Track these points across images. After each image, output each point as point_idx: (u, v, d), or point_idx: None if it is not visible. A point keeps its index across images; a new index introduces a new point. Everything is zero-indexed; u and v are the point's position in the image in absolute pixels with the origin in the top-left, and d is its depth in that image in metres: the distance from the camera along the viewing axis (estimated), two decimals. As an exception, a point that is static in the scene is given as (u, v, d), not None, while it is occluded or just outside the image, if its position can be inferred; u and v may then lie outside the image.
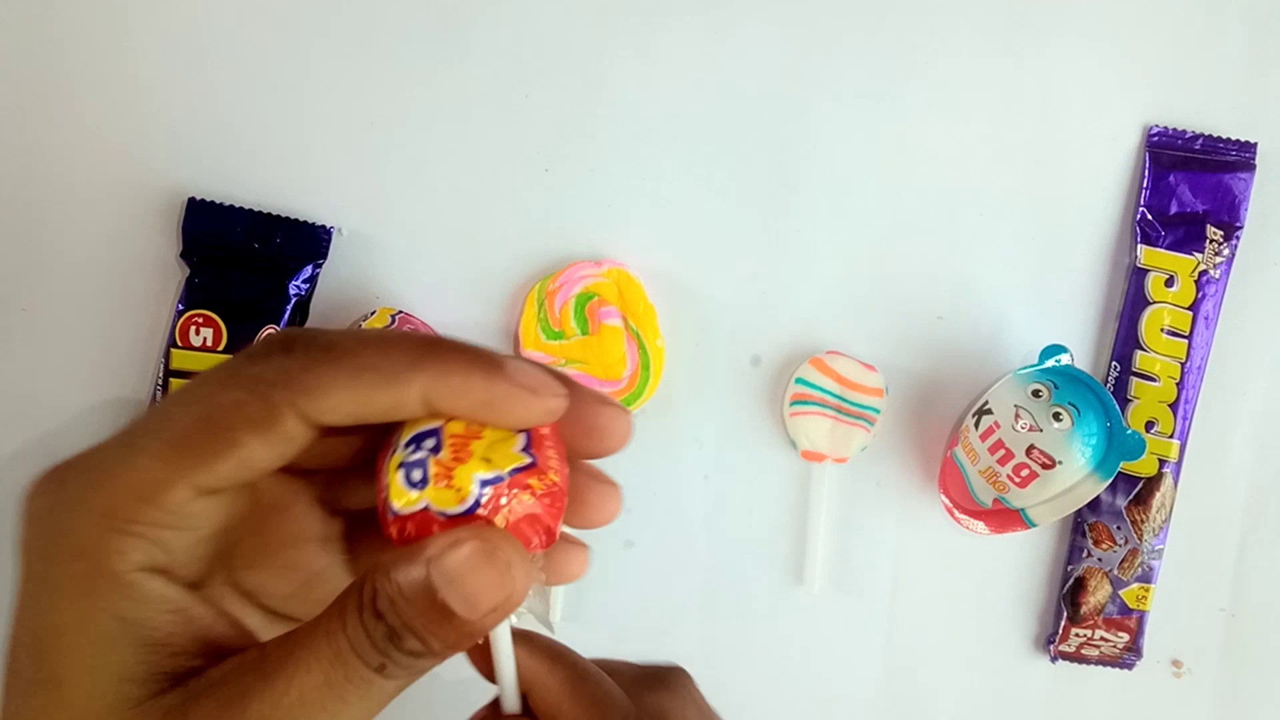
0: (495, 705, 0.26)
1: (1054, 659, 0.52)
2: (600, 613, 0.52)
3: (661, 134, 0.51)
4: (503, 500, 0.22)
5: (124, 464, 0.22)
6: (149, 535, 0.21)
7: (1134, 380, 0.51)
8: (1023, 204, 0.52)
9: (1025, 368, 0.47)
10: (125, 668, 0.21)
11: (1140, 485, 0.50)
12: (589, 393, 0.25)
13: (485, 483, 0.22)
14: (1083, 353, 0.52)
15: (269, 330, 0.24)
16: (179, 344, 0.49)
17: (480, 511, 0.22)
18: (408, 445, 0.23)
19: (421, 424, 0.23)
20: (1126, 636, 0.51)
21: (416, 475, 0.22)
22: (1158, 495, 0.50)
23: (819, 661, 0.52)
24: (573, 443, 0.25)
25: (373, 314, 0.49)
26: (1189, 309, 0.50)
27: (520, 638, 0.26)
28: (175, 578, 0.22)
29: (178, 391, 0.23)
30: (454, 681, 0.33)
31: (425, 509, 0.22)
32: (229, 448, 0.22)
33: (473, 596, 0.21)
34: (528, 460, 0.23)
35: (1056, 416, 0.46)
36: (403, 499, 0.22)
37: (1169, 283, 0.50)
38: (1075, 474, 0.46)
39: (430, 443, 0.23)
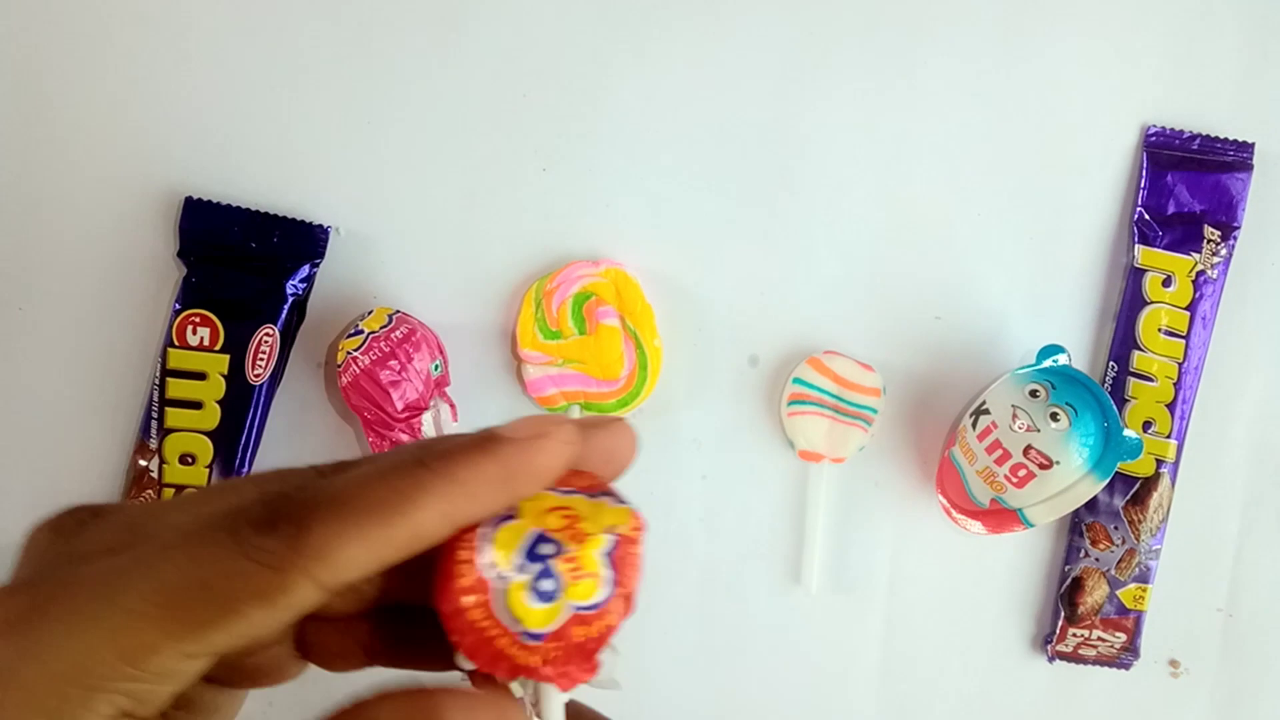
0: None
1: (1051, 659, 0.52)
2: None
3: (659, 134, 0.51)
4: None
5: (105, 622, 0.20)
6: (122, 691, 0.20)
7: (1131, 380, 0.51)
8: (1020, 204, 0.52)
9: (1023, 368, 0.47)
10: None
11: (1137, 485, 0.50)
12: (589, 420, 0.24)
13: (606, 553, 0.22)
14: (1080, 353, 0.52)
15: (263, 480, 0.23)
16: (176, 343, 0.49)
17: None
18: (519, 568, 0.21)
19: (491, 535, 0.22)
20: (1124, 636, 0.51)
21: (548, 586, 0.21)
22: (1155, 495, 0.50)
23: (816, 661, 0.52)
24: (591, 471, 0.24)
25: (370, 313, 0.49)
26: (1186, 309, 0.50)
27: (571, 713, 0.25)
28: (142, 716, 0.21)
29: (168, 544, 0.21)
30: None
31: (565, 617, 0.21)
32: (230, 618, 0.20)
33: None
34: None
35: (1054, 416, 0.46)
36: (539, 617, 0.21)
37: (1166, 283, 0.50)
38: (1073, 474, 0.46)
39: (546, 548, 0.22)
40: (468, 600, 0.22)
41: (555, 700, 0.23)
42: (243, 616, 0.20)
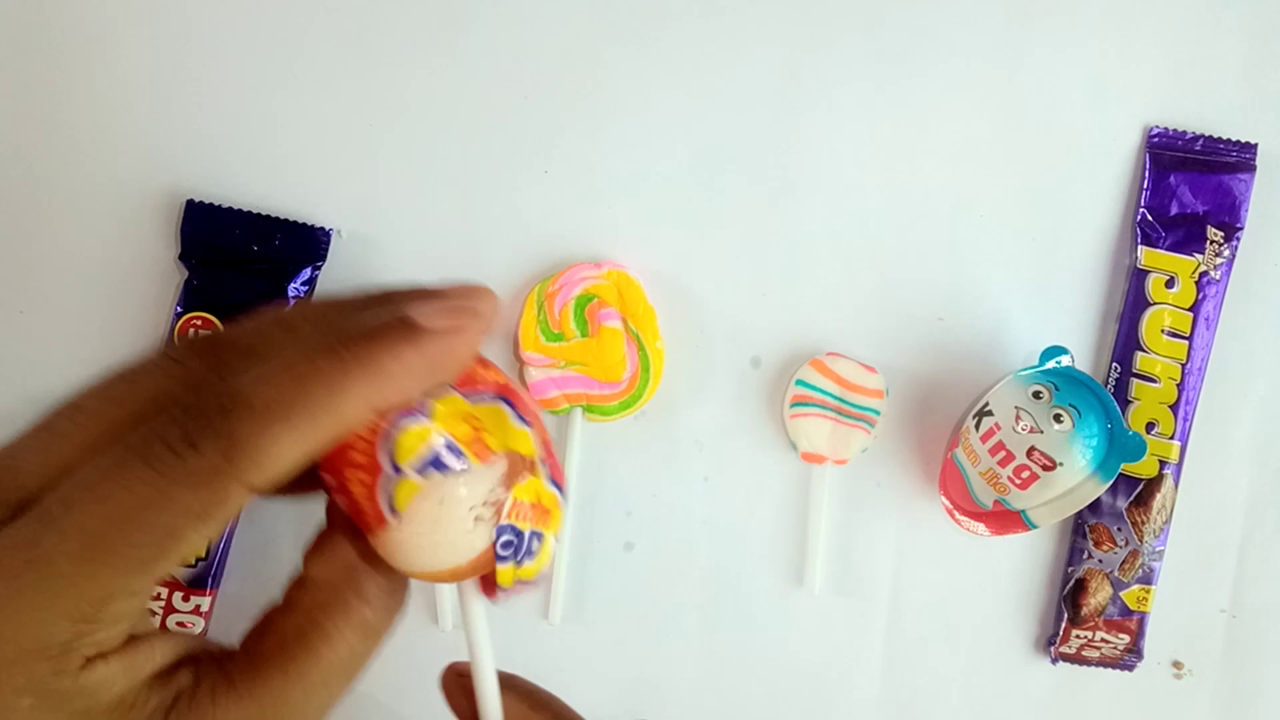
0: None
1: (1054, 660, 0.52)
2: (600, 614, 0.52)
3: (661, 136, 0.51)
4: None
5: (46, 593, 0.20)
6: (85, 645, 0.20)
7: (1134, 381, 0.50)
8: (1023, 205, 0.52)
9: (1026, 369, 0.47)
10: None
11: (1141, 487, 0.50)
12: (461, 290, 0.24)
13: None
14: (1083, 354, 0.52)
15: (156, 386, 0.22)
16: (178, 346, 0.49)
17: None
18: (418, 470, 0.22)
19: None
20: (1127, 638, 0.51)
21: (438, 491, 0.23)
22: (1158, 497, 0.50)
23: (819, 662, 0.52)
24: None
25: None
26: (1189, 310, 0.50)
27: (504, 683, 0.26)
28: (110, 653, 0.21)
29: (84, 486, 0.20)
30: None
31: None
32: (171, 544, 0.20)
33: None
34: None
35: (1057, 418, 0.46)
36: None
37: (1169, 284, 0.50)
38: (1076, 475, 0.46)
39: (449, 457, 0.22)
40: (355, 474, 0.22)
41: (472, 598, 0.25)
42: (183, 539, 0.20)
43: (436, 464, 0.22)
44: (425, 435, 0.22)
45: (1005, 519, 0.47)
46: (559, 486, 0.24)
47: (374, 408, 0.22)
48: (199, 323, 0.49)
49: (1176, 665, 0.52)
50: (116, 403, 0.22)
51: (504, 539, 0.23)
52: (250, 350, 0.22)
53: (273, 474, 0.20)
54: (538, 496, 0.24)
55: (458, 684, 0.27)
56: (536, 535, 0.24)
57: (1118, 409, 0.46)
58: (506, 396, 0.24)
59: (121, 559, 0.20)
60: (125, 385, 0.22)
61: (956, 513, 0.49)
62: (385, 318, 0.22)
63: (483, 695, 0.26)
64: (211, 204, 0.50)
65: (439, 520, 0.22)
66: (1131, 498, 0.50)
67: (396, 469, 0.22)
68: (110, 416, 0.21)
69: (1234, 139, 0.51)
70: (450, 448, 0.22)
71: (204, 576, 0.49)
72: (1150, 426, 0.50)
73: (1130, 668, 0.52)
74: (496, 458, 0.23)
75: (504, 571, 0.24)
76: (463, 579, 0.24)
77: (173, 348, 0.23)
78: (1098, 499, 0.46)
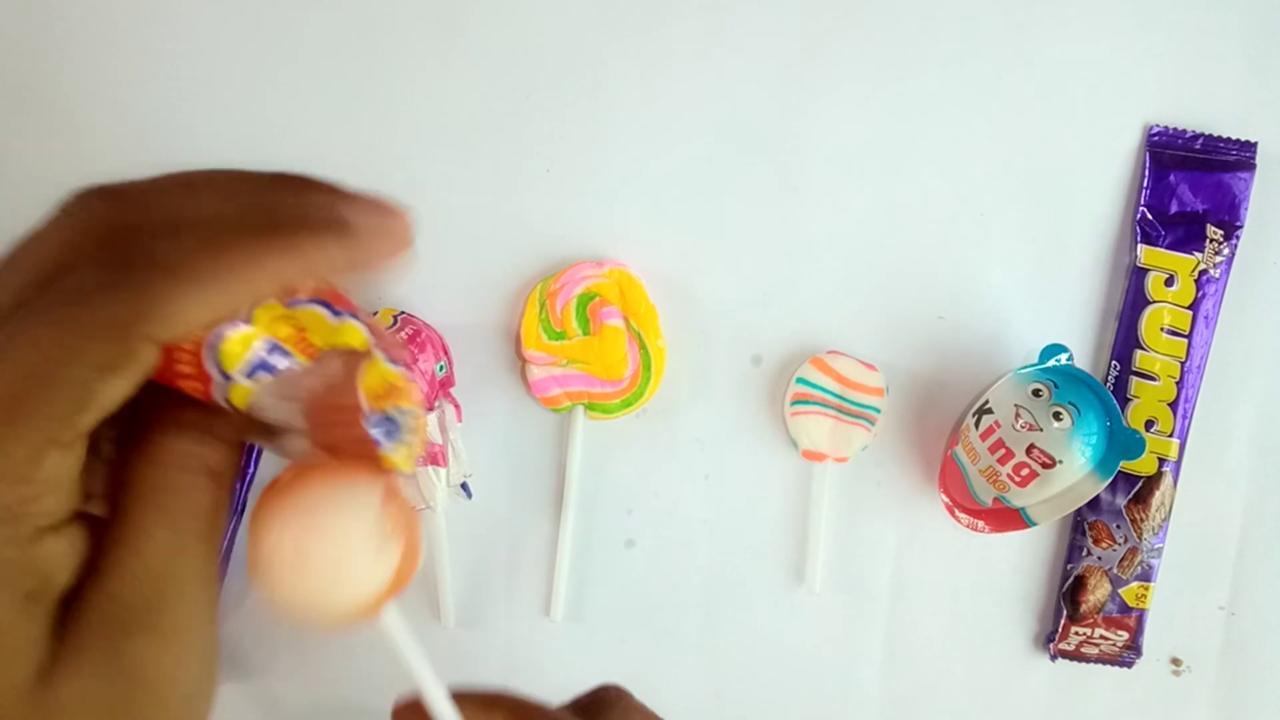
0: None
1: (1054, 657, 0.52)
2: (601, 613, 0.52)
3: (663, 134, 0.52)
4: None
5: None
6: (29, 510, 0.21)
7: (1134, 379, 0.51)
8: (1023, 203, 0.52)
9: (1025, 367, 0.48)
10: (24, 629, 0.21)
11: (1140, 484, 0.51)
12: (373, 204, 0.24)
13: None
14: (1083, 352, 0.52)
15: (88, 244, 0.22)
16: (181, 345, 0.49)
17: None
18: (244, 374, 0.23)
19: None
20: (1126, 635, 0.51)
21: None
22: (1157, 494, 0.51)
23: (820, 660, 0.52)
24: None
25: (374, 315, 0.49)
26: (1189, 308, 0.50)
27: (457, 696, 0.26)
28: (60, 526, 0.22)
29: None
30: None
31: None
32: (86, 396, 0.20)
33: None
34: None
35: (1056, 416, 0.46)
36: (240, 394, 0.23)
37: (1169, 282, 0.51)
38: (1075, 473, 0.46)
39: (276, 358, 0.23)
40: (188, 384, 0.23)
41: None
42: (96, 391, 0.20)
43: (264, 366, 0.23)
44: (249, 341, 0.23)
45: (1005, 516, 0.48)
46: (399, 363, 0.25)
47: (284, 286, 0.22)
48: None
49: (1175, 662, 0.53)
50: (22, 269, 0.22)
51: (380, 428, 0.24)
52: (159, 208, 0.23)
53: (179, 330, 0.21)
54: (384, 379, 0.24)
55: (412, 714, 0.27)
56: (401, 411, 0.24)
57: (1117, 407, 0.46)
58: (322, 299, 0.24)
59: (40, 416, 0.20)
60: (33, 249, 0.23)
61: (956, 510, 0.49)
62: (312, 209, 0.23)
63: (438, 713, 0.26)
64: (215, 203, 0.50)
65: (340, 559, 0.23)
66: (1130, 495, 0.51)
67: (226, 376, 0.23)
68: (18, 283, 0.22)
69: (1234, 137, 0.51)
70: (275, 349, 0.23)
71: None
72: (1149, 424, 0.51)
73: (1129, 665, 0.52)
74: (327, 355, 0.23)
75: (398, 456, 0.24)
76: (377, 607, 0.24)
77: (75, 201, 0.23)
78: (1097, 496, 0.47)
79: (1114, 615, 0.51)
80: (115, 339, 0.20)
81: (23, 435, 0.20)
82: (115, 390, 0.21)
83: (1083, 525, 0.51)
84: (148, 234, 0.22)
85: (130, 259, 0.21)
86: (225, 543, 0.49)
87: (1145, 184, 0.51)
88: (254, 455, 0.50)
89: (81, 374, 0.20)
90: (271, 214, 0.22)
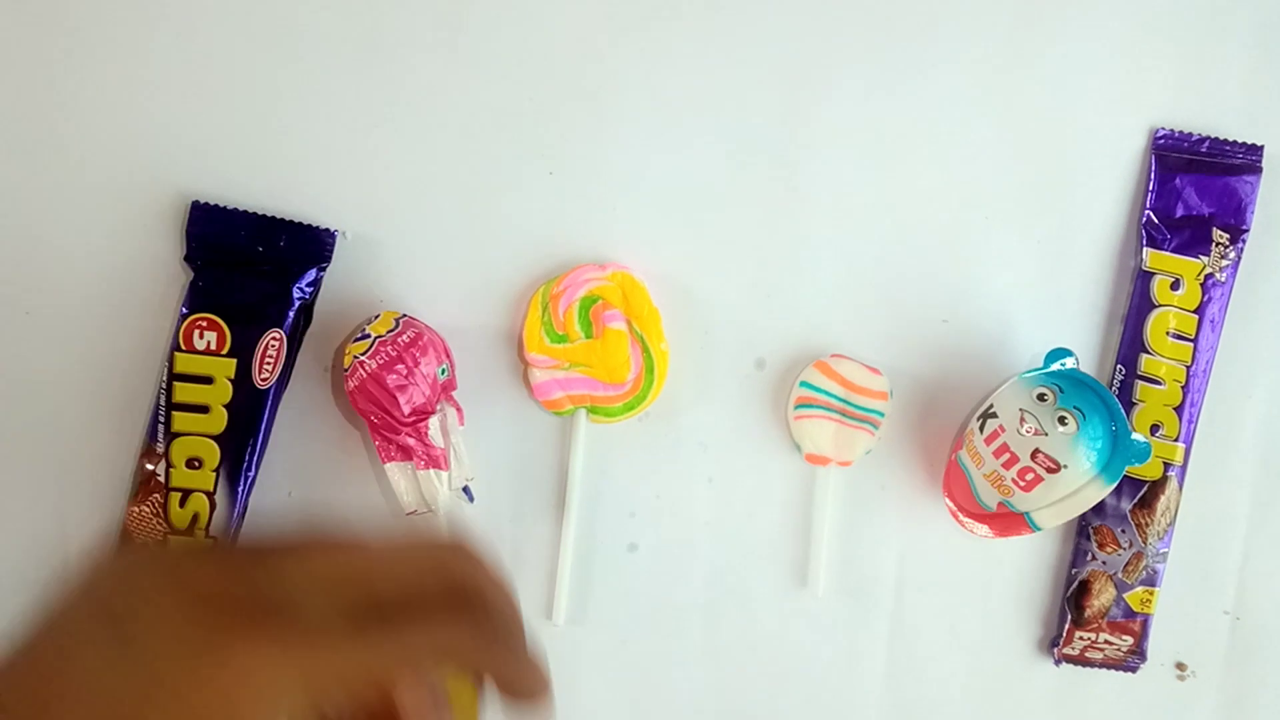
0: None
1: (1058, 662, 0.52)
2: (603, 616, 0.52)
3: (666, 137, 0.51)
4: None
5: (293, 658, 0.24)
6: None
7: (1139, 383, 0.50)
8: (1028, 207, 0.52)
9: (1030, 371, 0.47)
10: None
11: (1145, 489, 0.50)
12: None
13: None
14: (1088, 356, 0.52)
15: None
16: (183, 348, 0.49)
17: None
18: None
19: None
20: (1131, 640, 0.51)
21: None
22: (1162, 498, 0.50)
23: (823, 664, 0.52)
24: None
25: (377, 317, 0.49)
26: (1194, 312, 0.50)
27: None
28: None
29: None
30: None
31: None
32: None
33: None
34: None
35: (1061, 420, 0.46)
36: None
37: (1174, 286, 0.50)
38: (1080, 478, 0.46)
39: None
40: None
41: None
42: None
43: None
44: None
45: (1009, 521, 0.47)
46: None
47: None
48: (204, 324, 0.49)
49: (1180, 667, 0.52)
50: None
51: None
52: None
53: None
54: None
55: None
56: None
57: (1122, 411, 0.46)
58: None
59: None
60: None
61: (960, 514, 0.49)
62: (500, 659, 0.28)
63: None
64: (217, 205, 0.50)
65: None
66: (1136, 500, 0.50)
67: None
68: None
69: (1240, 141, 0.51)
70: None
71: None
72: (1155, 428, 0.50)
73: (1133, 669, 0.52)
74: None
75: None
76: None
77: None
78: (1102, 501, 0.46)
79: (1118, 620, 0.51)
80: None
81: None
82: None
83: (1087, 530, 0.51)
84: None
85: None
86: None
87: (1151, 187, 0.51)
88: (254, 455, 0.49)
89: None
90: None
